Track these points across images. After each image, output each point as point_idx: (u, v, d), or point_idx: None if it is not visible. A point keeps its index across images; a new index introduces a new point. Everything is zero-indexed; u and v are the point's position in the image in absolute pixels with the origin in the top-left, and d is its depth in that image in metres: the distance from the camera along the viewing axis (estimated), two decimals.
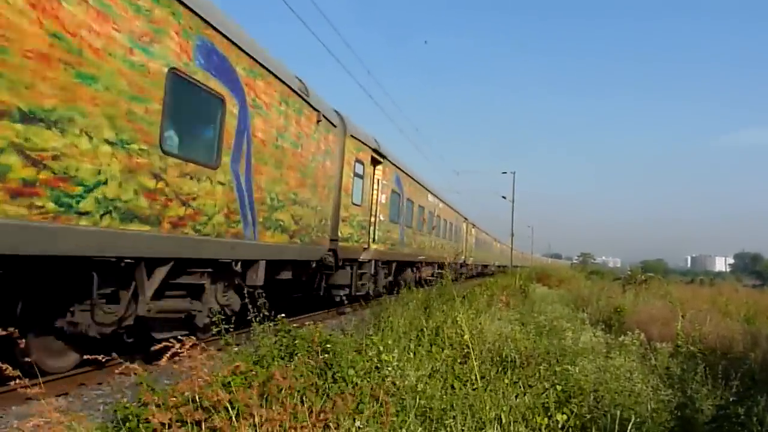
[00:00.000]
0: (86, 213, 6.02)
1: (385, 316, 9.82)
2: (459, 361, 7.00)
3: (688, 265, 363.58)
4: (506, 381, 5.77)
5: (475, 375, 4.95)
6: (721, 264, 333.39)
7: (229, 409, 3.33)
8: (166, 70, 7.18)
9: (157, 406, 3.79)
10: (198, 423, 3.30)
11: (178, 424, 3.37)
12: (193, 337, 4.06)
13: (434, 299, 11.45)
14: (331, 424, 3.75)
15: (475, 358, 6.97)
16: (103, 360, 3.72)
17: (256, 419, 3.16)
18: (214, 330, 6.31)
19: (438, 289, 12.30)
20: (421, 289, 12.29)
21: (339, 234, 14.64)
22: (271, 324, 6.48)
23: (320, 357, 5.16)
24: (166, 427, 3.32)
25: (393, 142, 20.09)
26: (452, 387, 5.78)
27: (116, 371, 4.19)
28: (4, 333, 3.33)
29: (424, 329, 8.41)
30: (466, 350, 7.52)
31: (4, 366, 2.94)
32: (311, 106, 12.20)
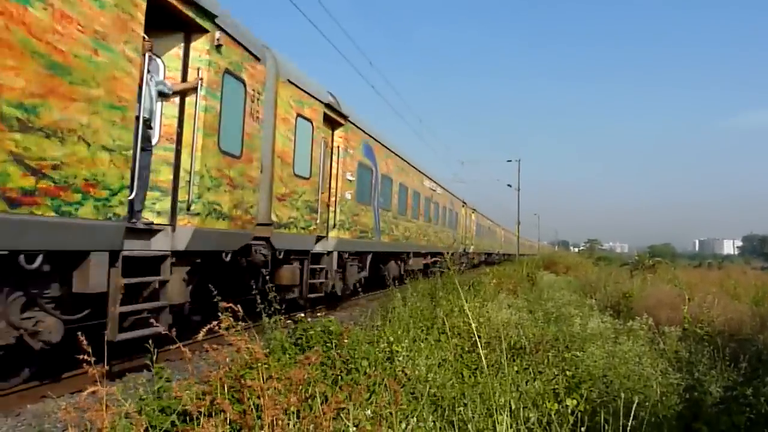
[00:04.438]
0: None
1: (392, 307, 9.88)
2: (468, 349, 7.05)
3: (696, 248, 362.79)
4: (515, 368, 5.81)
5: (484, 363, 4.99)
6: (729, 247, 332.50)
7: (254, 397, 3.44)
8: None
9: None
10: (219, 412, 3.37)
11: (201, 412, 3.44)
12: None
13: (440, 288, 11.52)
14: (342, 414, 3.81)
15: (483, 347, 7.03)
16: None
17: (272, 411, 3.22)
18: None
19: (444, 278, 12.42)
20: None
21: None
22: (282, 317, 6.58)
23: (336, 351, 5.22)
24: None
25: (397, 134, 20.32)
26: (461, 375, 5.84)
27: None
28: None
29: (434, 319, 8.47)
30: (474, 339, 7.57)
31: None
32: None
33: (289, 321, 6.94)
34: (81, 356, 3.25)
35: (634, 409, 3.41)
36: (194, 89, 8.04)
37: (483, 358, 4.80)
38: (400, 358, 5.86)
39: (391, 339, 6.20)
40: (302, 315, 7.18)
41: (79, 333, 3.38)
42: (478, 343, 5.11)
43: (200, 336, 3.72)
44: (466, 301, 8.93)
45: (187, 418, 3.59)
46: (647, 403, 4.78)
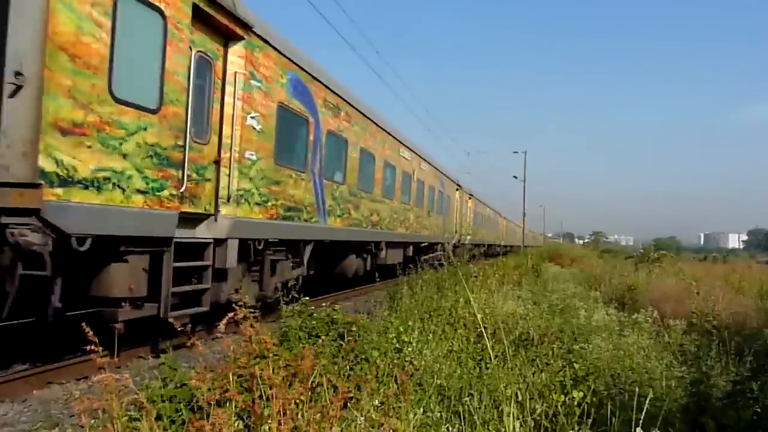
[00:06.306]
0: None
1: (398, 297, 9.89)
2: (473, 340, 7.05)
3: (701, 242, 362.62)
4: (521, 360, 5.81)
5: (491, 354, 4.99)
6: (734, 241, 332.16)
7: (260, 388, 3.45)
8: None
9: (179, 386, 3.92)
10: (228, 401, 3.38)
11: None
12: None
13: (446, 279, 11.52)
14: (351, 404, 3.81)
15: (489, 338, 7.03)
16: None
17: (280, 401, 3.23)
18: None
19: (449, 270, 12.43)
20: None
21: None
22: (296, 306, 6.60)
23: (347, 340, 5.23)
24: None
25: (403, 124, 20.51)
26: (467, 366, 5.84)
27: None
28: None
29: (438, 309, 8.47)
30: (479, 330, 7.57)
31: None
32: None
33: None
34: (88, 345, 3.25)
35: (646, 403, 3.40)
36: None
37: (490, 350, 4.79)
38: (409, 349, 5.86)
39: (401, 329, 6.19)
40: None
41: (83, 323, 3.39)
42: (485, 335, 5.10)
43: (222, 327, 3.75)
44: (472, 292, 8.95)
45: (196, 407, 3.60)
46: (653, 396, 4.77)
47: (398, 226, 19.35)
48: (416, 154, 21.91)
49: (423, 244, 23.64)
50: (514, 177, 54.66)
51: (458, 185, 32.34)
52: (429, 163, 24.35)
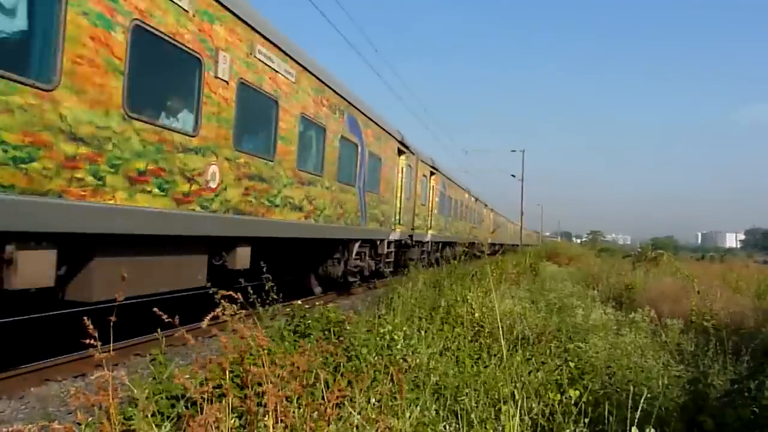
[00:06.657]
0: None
1: (395, 295, 9.88)
2: (470, 339, 7.04)
3: (699, 241, 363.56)
4: (518, 358, 5.80)
5: (490, 352, 4.98)
6: (731, 240, 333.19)
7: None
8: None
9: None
10: (220, 397, 3.37)
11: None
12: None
13: (445, 277, 11.51)
14: (346, 402, 3.81)
15: (486, 336, 7.03)
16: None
17: (275, 398, 3.22)
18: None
19: (448, 267, 12.44)
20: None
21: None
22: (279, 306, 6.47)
23: (336, 339, 5.22)
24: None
25: (402, 122, 20.40)
26: (464, 364, 5.83)
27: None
28: None
29: (436, 308, 8.46)
30: (477, 328, 7.57)
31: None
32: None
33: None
34: (87, 340, 3.24)
35: (642, 401, 3.39)
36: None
37: (491, 347, 4.78)
38: (400, 346, 5.84)
39: (391, 327, 6.18)
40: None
41: (85, 317, 3.37)
42: (482, 333, 5.09)
43: (204, 324, 3.71)
44: (469, 291, 8.95)
45: (190, 404, 3.59)
46: (650, 395, 4.77)
47: (158, 196, 7.03)
48: (264, 38, 9.49)
49: (306, 242, 12.70)
50: (512, 176, 54.69)
51: (403, 144, 19.65)
52: (323, 81, 12.21)
